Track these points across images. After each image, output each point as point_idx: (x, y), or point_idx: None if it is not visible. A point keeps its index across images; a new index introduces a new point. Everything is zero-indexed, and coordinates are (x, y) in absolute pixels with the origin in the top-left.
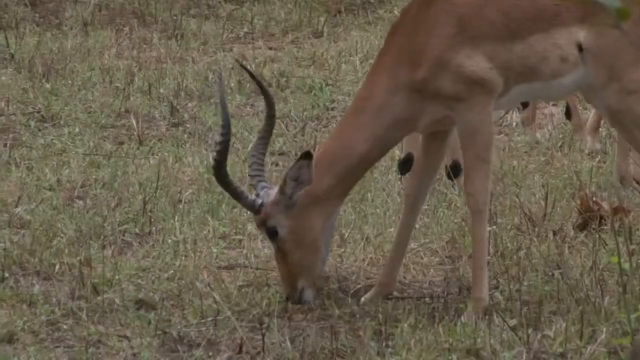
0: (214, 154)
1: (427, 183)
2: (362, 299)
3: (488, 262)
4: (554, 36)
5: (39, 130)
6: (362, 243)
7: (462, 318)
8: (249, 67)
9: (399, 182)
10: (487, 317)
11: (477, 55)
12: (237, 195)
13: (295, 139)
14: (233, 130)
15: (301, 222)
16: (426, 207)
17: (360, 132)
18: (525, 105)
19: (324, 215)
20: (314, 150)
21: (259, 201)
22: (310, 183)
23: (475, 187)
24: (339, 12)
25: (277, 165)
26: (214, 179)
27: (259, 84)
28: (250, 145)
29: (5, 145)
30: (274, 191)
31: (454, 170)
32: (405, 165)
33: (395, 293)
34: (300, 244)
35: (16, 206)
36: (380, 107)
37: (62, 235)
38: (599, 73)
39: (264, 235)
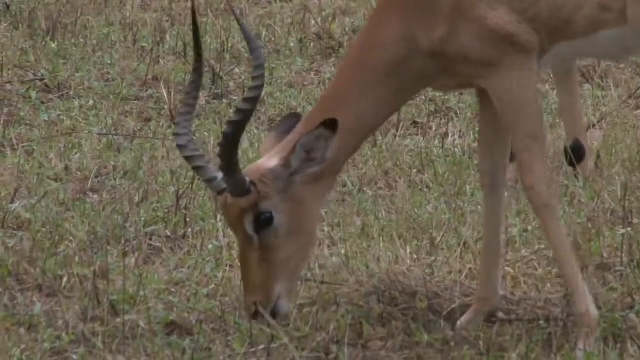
0: (237, 111)
1: (501, 151)
2: (459, 322)
3: (621, 274)
4: None
5: (42, 103)
6: (459, 250)
7: (581, 346)
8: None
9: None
10: (618, 345)
11: (500, 5)
12: (233, 166)
13: None
14: (292, 102)
15: (301, 206)
16: None
17: (365, 92)
18: None
19: (322, 196)
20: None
21: (248, 179)
22: (323, 163)
23: (535, 175)
24: None
25: None
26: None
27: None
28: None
29: None
30: (262, 164)
31: (576, 153)
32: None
33: (501, 314)
34: (298, 234)
35: (12, 201)
36: (387, 63)
37: (71, 239)
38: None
39: (245, 223)
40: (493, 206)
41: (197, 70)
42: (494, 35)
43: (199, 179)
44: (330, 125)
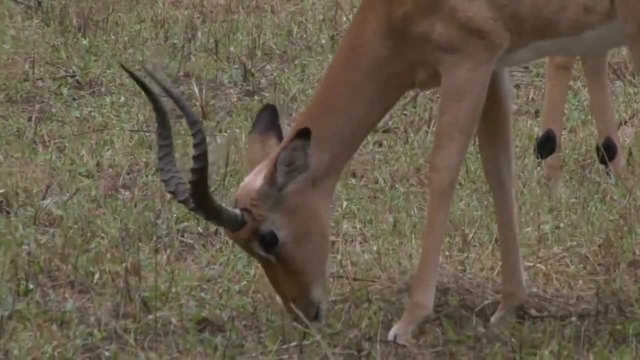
0: (193, 171)
1: (503, 150)
2: (492, 319)
3: None
4: None
5: (74, 99)
6: (491, 246)
7: (394, 329)
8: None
9: (538, 168)
10: None
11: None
12: (216, 213)
13: (405, 112)
14: None
15: (303, 212)
16: (574, 199)
17: (354, 93)
18: None
19: (325, 195)
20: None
21: (239, 212)
22: (306, 170)
23: (446, 161)
24: None
25: (380, 145)
26: None
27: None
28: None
29: (29, 118)
30: (250, 185)
31: (608, 151)
32: (545, 145)
33: (533, 311)
34: (308, 238)
35: (44, 198)
36: (371, 61)
37: (102, 235)
38: (628, 23)
39: (255, 249)
40: (503, 204)
41: (159, 111)
42: (464, 27)
43: (231, 176)
44: (303, 134)
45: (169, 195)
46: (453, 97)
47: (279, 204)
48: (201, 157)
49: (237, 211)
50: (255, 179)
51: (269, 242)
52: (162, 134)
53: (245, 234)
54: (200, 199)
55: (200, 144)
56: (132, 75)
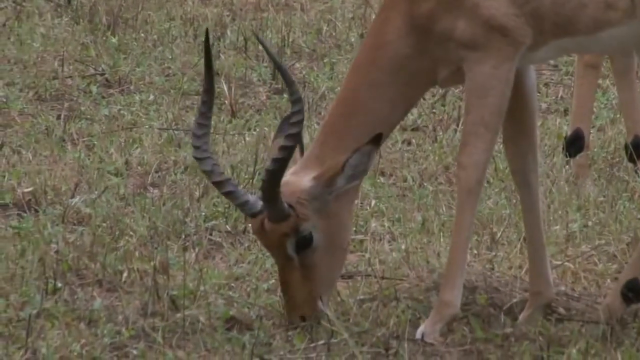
0: (282, 149)
1: (529, 149)
2: (520, 317)
3: None
4: None
5: (103, 97)
6: (519, 245)
7: (422, 328)
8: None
9: (567, 166)
10: None
11: None
12: (273, 199)
13: (434, 110)
14: None
15: (335, 219)
16: (602, 198)
17: (377, 92)
18: None
19: (351, 205)
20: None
21: (286, 204)
22: (364, 176)
23: (472, 159)
24: None
25: (409, 143)
26: None
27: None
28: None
29: (58, 116)
30: (296, 183)
31: (636, 149)
32: (574, 143)
33: (561, 309)
34: (335, 247)
35: (72, 196)
36: (394, 60)
37: (131, 234)
38: None
39: (287, 247)
40: (529, 202)
41: (209, 91)
42: (486, 24)
43: (260, 174)
44: (375, 140)
45: (196, 194)
46: (477, 95)
47: (323, 207)
48: (294, 137)
49: (286, 204)
50: (299, 178)
51: (304, 243)
52: (205, 113)
53: (285, 228)
54: (274, 178)
55: (298, 124)
56: (207, 33)
